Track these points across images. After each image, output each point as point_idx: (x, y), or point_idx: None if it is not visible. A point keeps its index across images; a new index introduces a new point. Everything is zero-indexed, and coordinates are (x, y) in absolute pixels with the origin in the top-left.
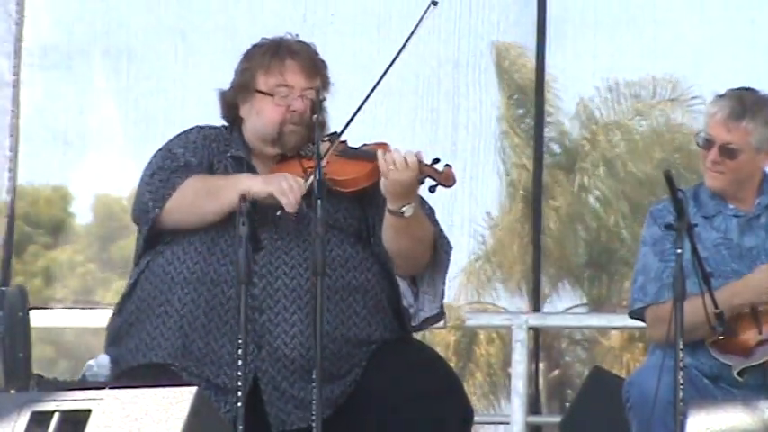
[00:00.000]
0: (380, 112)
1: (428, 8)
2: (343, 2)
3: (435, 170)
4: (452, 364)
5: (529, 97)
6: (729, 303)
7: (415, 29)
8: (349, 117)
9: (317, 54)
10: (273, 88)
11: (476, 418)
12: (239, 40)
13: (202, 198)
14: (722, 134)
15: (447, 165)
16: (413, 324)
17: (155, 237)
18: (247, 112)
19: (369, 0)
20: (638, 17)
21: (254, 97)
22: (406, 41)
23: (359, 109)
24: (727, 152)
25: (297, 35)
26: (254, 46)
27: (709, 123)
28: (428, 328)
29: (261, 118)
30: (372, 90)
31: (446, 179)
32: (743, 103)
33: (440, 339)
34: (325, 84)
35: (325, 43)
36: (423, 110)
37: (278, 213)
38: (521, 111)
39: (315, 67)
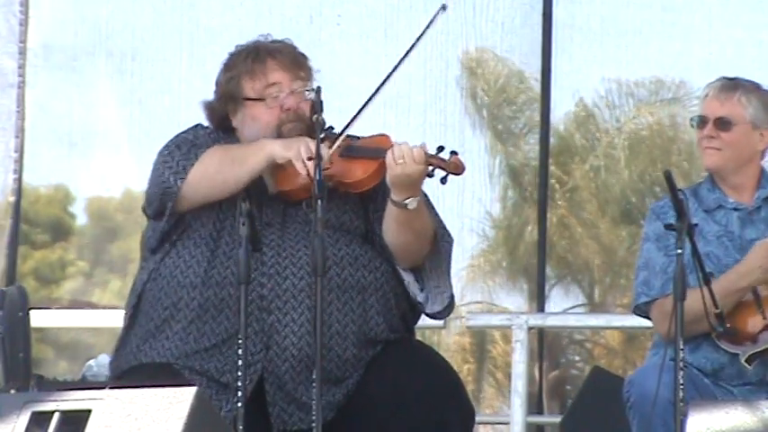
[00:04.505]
0: (390, 116)
1: (438, 12)
2: (349, 3)
3: (442, 159)
4: (471, 367)
5: (535, 99)
6: (735, 287)
7: (425, 31)
8: (351, 117)
9: (295, 48)
10: (262, 92)
11: (477, 419)
12: (245, 41)
13: (228, 165)
14: (716, 108)
15: (453, 152)
16: (428, 312)
17: (171, 219)
18: (240, 121)
19: (376, 1)
20: (644, 29)
21: (245, 105)
22: (416, 41)
23: (362, 109)
24: (722, 124)
25: (269, 35)
26: (232, 54)
27: (703, 103)
28: (439, 323)
29: (257, 123)
30: (381, 85)
31: (455, 168)
32: (734, 80)
33: (452, 342)
34: (311, 74)
35: (332, 45)
36: (431, 111)
37: (305, 208)
38: (527, 112)
39: (297, 62)
